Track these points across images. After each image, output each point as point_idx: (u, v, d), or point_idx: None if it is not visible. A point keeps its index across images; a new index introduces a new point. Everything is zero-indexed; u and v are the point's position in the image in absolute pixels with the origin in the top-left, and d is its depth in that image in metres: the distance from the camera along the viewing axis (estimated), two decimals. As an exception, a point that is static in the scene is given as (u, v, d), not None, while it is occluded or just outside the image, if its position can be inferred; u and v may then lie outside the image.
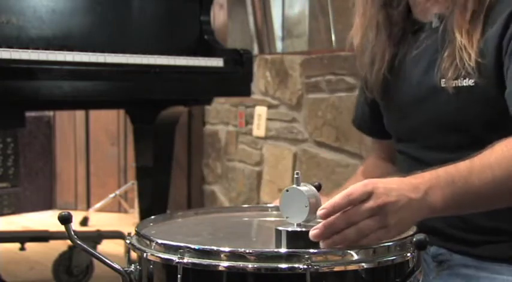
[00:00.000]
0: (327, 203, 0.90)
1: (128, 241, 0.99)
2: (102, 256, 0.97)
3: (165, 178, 2.46)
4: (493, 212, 1.03)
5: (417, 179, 0.95)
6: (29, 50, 1.79)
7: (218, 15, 3.68)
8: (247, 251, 0.86)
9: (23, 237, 2.75)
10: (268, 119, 3.32)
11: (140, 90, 2.05)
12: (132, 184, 3.86)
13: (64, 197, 4.36)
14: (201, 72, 2.17)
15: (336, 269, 0.86)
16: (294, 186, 0.95)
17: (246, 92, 2.34)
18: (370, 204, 0.89)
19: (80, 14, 2.05)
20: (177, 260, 0.88)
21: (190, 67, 2.14)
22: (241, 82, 2.28)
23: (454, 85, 1.11)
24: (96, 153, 4.31)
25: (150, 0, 2.22)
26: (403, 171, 1.24)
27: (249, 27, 3.68)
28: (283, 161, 3.20)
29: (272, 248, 0.93)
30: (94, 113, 4.25)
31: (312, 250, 0.87)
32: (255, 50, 3.62)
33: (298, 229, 0.92)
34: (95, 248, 2.49)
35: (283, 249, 0.90)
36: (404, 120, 1.24)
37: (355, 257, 0.88)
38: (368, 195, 0.89)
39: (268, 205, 1.24)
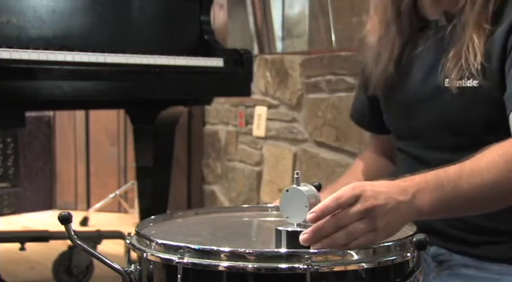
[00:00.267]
0: (316, 207, 0.90)
1: (128, 241, 0.99)
2: (102, 256, 0.97)
3: (165, 178, 2.46)
4: (493, 213, 1.03)
5: (406, 182, 0.95)
6: (29, 50, 1.79)
7: (218, 15, 3.68)
8: (247, 251, 0.86)
9: (23, 237, 2.75)
10: (268, 119, 3.32)
11: (140, 90, 2.05)
12: (132, 184, 3.86)
13: (64, 197, 4.36)
14: (201, 72, 2.17)
15: (336, 269, 0.86)
16: (294, 186, 0.95)
17: (246, 92, 2.34)
18: (358, 207, 0.89)
19: (80, 14, 2.05)
20: (177, 260, 0.88)
21: (190, 67, 2.14)
22: (241, 82, 2.28)
23: (457, 85, 1.11)
24: (96, 153, 4.31)
25: (150, 0, 2.22)
26: (403, 170, 1.24)
27: (249, 27, 3.68)
28: (283, 161, 3.20)
29: (272, 248, 0.93)
30: (94, 113, 4.24)
31: (312, 250, 0.87)
32: (255, 50, 3.62)
33: (298, 229, 0.92)
34: (95, 248, 2.49)
35: (283, 249, 0.90)
36: (406, 118, 1.24)
37: (355, 257, 0.88)
38: (356, 199, 0.90)
39: (268, 205, 1.24)
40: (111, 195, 3.94)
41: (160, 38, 2.24)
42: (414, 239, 0.87)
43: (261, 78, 3.35)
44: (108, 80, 1.96)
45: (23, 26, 1.91)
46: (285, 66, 3.21)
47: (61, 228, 0.95)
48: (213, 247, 0.88)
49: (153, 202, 2.45)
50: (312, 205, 0.92)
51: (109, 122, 4.23)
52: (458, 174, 0.96)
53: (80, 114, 4.26)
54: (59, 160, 4.37)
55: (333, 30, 3.21)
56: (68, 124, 4.34)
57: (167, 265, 0.91)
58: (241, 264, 0.86)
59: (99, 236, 2.77)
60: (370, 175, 1.37)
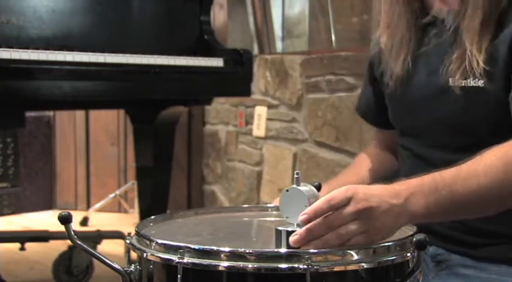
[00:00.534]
0: (308, 208, 0.90)
1: (128, 241, 0.99)
2: (102, 256, 0.97)
3: (165, 178, 2.46)
4: (492, 216, 1.02)
5: (400, 185, 0.95)
6: (29, 50, 1.79)
7: (218, 15, 3.68)
8: (247, 251, 0.86)
9: (23, 237, 2.75)
10: (268, 119, 3.32)
11: (140, 90, 2.05)
12: (132, 184, 3.86)
13: (64, 197, 4.36)
14: (201, 72, 2.17)
15: (336, 269, 0.86)
16: (294, 186, 0.95)
17: (246, 92, 2.34)
18: (350, 209, 0.89)
19: (80, 14, 2.05)
20: (177, 260, 0.88)
21: (190, 67, 2.14)
22: (241, 82, 2.28)
23: (462, 84, 1.11)
24: (96, 153, 4.31)
25: (150, 0, 2.22)
26: (405, 168, 1.25)
27: (249, 27, 3.68)
28: (283, 161, 3.20)
29: (272, 248, 0.93)
30: (94, 113, 4.24)
31: (312, 250, 0.87)
32: (255, 50, 3.62)
33: (298, 229, 0.92)
34: (95, 248, 2.49)
35: (283, 249, 0.90)
36: (410, 116, 1.24)
37: (355, 257, 0.88)
38: (348, 200, 0.90)
39: (268, 205, 1.24)
40: (111, 195, 3.94)
41: (160, 38, 2.24)
42: (414, 239, 0.87)
43: (261, 78, 3.35)
44: (108, 80, 1.96)
45: (23, 26, 1.91)
46: (285, 66, 3.21)
47: (61, 228, 0.95)
48: (213, 247, 0.88)
49: (153, 202, 2.45)
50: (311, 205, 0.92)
51: (109, 122, 4.23)
52: (454, 177, 0.96)
53: (80, 114, 4.26)
54: (59, 160, 4.37)
55: (333, 30, 3.22)
56: (68, 124, 4.34)
57: (167, 265, 0.91)
58: (241, 264, 0.86)
59: (99, 236, 2.77)
60: (373, 169, 1.38)
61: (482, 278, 1.11)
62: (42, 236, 2.73)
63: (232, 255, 0.86)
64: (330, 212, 0.89)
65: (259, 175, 3.40)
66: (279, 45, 3.67)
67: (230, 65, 2.23)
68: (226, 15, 3.68)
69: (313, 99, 3.00)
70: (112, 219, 4.00)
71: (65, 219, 0.95)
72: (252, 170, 3.45)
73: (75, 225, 0.99)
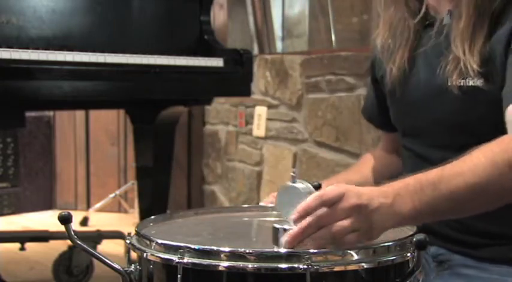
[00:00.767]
0: (299, 207, 0.90)
1: (128, 241, 0.99)
2: (102, 256, 0.97)
3: (165, 178, 2.46)
4: (493, 216, 1.02)
5: (387, 187, 0.95)
6: (29, 50, 1.79)
7: (218, 15, 3.68)
8: (247, 251, 0.86)
9: (23, 237, 2.75)
10: (268, 119, 3.32)
11: (140, 90, 2.05)
12: (132, 184, 3.86)
13: (64, 197, 4.36)
14: (201, 72, 2.17)
15: (336, 269, 0.86)
16: (290, 183, 0.95)
17: (246, 92, 2.34)
18: (342, 205, 0.89)
19: (80, 14, 2.05)
20: (177, 260, 0.88)
21: (190, 67, 2.14)
22: (241, 82, 2.28)
23: (460, 84, 1.11)
24: (96, 153, 4.31)
25: (150, 0, 2.22)
26: (407, 168, 1.25)
27: (249, 27, 3.68)
28: (283, 161, 3.20)
29: (272, 248, 0.93)
30: (94, 113, 4.25)
31: (311, 250, 0.87)
32: (255, 50, 3.62)
33: (294, 227, 0.92)
34: (95, 248, 2.49)
35: (283, 249, 0.90)
36: (410, 116, 1.24)
37: (355, 257, 0.88)
38: (340, 197, 0.89)
39: (268, 205, 1.24)
40: (111, 195, 3.94)
41: (160, 38, 2.24)
42: (414, 239, 0.86)
43: (261, 78, 3.35)
44: (108, 80, 1.96)
45: (23, 26, 1.91)
46: (285, 66, 3.21)
47: (61, 228, 0.95)
48: (213, 247, 0.88)
49: (153, 202, 2.45)
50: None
51: (109, 122, 4.23)
52: (438, 177, 0.95)
53: (80, 114, 4.26)
54: (59, 160, 4.37)
55: (333, 30, 3.22)
56: (68, 124, 4.34)
57: (167, 265, 0.91)
58: (241, 264, 0.86)
59: (99, 236, 2.77)
60: (377, 170, 1.38)
61: (483, 278, 1.11)
62: (42, 236, 2.73)
63: (232, 255, 0.86)
64: (323, 210, 0.89)
65: (259, 175, 3.40)
66: (279, 45, 3.67)
67: (230, 65, 2.23)
68: (226, 15, 3.68)
69: (313, 99, 3.00)
70: (112, 219, 4.00)
71: (65, 219, 0.95)
72: (252, 170, 3.45)
73: (75, 225, 0.99)
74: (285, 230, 0.92)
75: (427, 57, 1.19)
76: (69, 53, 1.85)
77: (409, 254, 0.91)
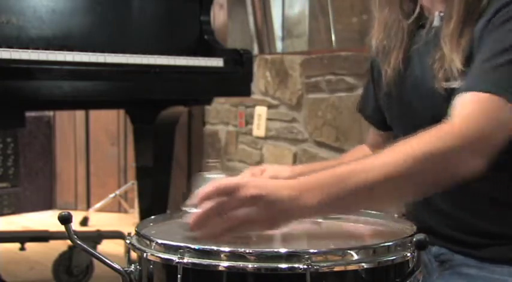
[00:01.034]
0: (199, 192, 0.93)
1: (128, 241, 0.99)
2: (102, 256, 0.97)
3: (165, 178, 2.46)
4: (493, 217, 1.02)
5: (299, 180, 0.95)
6: (29, 50, 1.79)
7: (218, 15, 3.68)
8: (247, 251, 0.86)
9: (23, 237, 2.75)
10: (268, 119, 3.32)
11: (140, 90, 2.05)
12: (132, 184, 3.86)
13: (64, 197, 4.36)
14: (201, 72, 2.17)
15: (336, 269, 0.86)
16: (203, 173, 0.96)
17: (246, 92, 2.34)
18: (238, 194, 0.90)
19: (80, 14, 2.05)
20: (177, 260, 0.88)
21: (190, 67, 2.14)
22: (241, 82, 2.28)
23: (446, 86, 1.11)
24: (96, 153, 4.31)
25: (150, 0, 2.22)
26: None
27: (249, 27, 3.68)
28: (283, 161, 3.20)
29: (272, 248, 0.93)
30: (94, 113, 4.24)
31: (312, 250, 0.87)
32: (255, 50, 3.62)
33: None
34: (95, 248, 2.49)
35: (283, 249, 0.90)
36: (408, 116, 1.24)
37: (355, 257, 0.88)
38: (238, 187, 0.91)
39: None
40: (111, 195, 3.94)
41: (160, 38, 2.24)
42: (414, 239, 0.87)
43: (261, 78, 3.35)
44: (108, 80, 1.96)
45: (23, 26, 1.91)
46: (285, 66, 3.21)
47: (61, 228, 0.95)
48: (213, 247, 0.88)
49: (153, 202, 2.45)
50: None
51: (109, 122, 4.23)
52: (348, 171, 0.95)
53: (80, 114, 4.26)
54: (59, 160, 4.37)
55: (333, 30, 3.22)
56: (68, 124, 4.34)
57: (167, 265, 0.91)
58: (241, 264, 0.86)
59: (99, 236, 2.77)
60: None
61: (485, 278, 1.11)
62: (42, 236, 2.73)
63: (232, 255, 0.86)
64: (223, 198, 0.91)
65: (259, 175, 3.39)
66: (279, 45, 3.67)
67: (230, 65, 2.23)
68: (226, 15, 3.68)
69: (313, 99, 3.00)
70: (112, 219, 4.00)
71: (65, 219, 0.95)
72: (252, 170, 3.44)
73: (75, 225, 0.99)
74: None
75: (420, 58, 1.20)
76: (69, 53, 1.85)
77: (409, 254, 0.91)
